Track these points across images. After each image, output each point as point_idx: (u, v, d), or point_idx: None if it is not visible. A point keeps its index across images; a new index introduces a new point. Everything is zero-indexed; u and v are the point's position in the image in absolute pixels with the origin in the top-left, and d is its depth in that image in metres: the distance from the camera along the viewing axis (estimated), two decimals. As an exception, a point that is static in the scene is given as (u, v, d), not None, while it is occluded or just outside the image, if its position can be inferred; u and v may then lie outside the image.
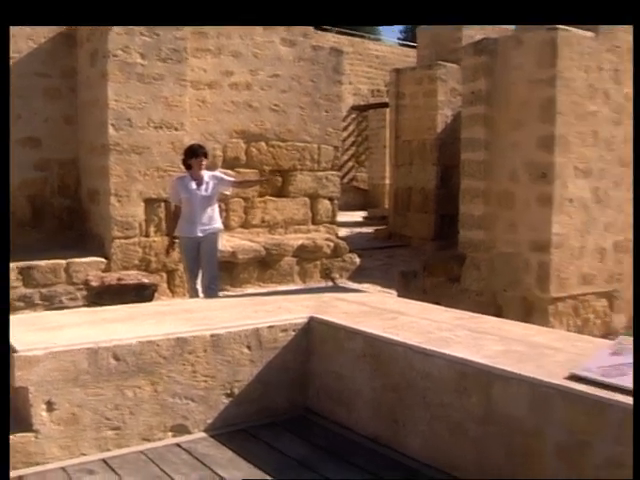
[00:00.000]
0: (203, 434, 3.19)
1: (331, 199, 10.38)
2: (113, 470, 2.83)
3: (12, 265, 7.11)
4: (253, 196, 9.67)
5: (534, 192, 6.74)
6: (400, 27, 37.76)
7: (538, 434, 2.45)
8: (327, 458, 2.98)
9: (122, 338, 3.05)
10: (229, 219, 9.36)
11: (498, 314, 6.24)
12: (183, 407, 3.16)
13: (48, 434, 2.86)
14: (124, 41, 7.84)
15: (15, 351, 2.81)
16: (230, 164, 9.31)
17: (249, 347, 3.32)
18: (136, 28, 7.82)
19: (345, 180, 18.98)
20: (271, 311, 3.68)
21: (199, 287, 6.59)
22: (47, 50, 8.60)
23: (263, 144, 9.69)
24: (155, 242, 8.15)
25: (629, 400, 2.21)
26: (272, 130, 9.71)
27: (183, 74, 8.26)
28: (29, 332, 3.10)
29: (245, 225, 9.65)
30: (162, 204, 8.06)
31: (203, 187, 6.49)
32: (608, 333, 6.87)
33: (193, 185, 6.48)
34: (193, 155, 6.52)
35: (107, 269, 7.83)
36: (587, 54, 6.75)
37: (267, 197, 9.82)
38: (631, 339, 2.67)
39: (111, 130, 7.84)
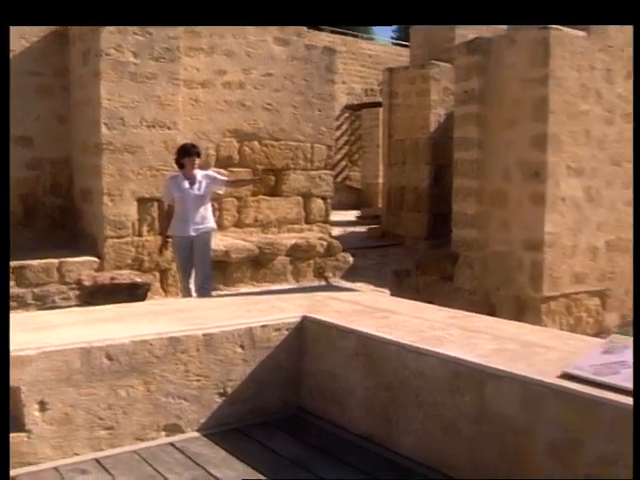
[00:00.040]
0: (196, 433, 3.19)
1: (324, 198, 10.39)
2: (106, 470, 2.83)
3: (4, 265, 7.08)
4: (246, 195, 9.66)
5: (527, 191, 6.76)
6: (393, 26, 37.77)
7: (530, 432, 2.45)
8: (320, 457, 2.98)
9: (115, 338, 3.04)
10: (222, 218, 9.35)
11: (491, 313, 6.25)
12: (176, 406, 3.16)
13: (41, 434, 2.85)
14: (117, 40, 7.82)
15: (7, 351, 2.81)
16: (223, 163, 9.30)
17: (242, 346, 3.32)
18: (129, 27, 7.80)
19: (338, 179, 18.98)
20: (264, 310, 3.68)
21: (192, 286, 6.59)
22: (39, 49, 8.56)
23: (256, 143, 9.68)
24: (148, 241, 8.13)
25: (621, 398, 2.22)
26: (265, 129, 9.71)
27: (176, 73, 8.25)
28: (21, 332, 3.09)
29: (238, 224, 9.65)
30: (155, 203, 8.04)
31: (196, 186, 6.49)
32: (600, 332, 6.89)
33: (186, 184, 6.47)
34: (186, 154, 6.51)
35: (100, 268, 7.81)
36: (579, 53, 6.77)
37: (260, 196, 9.82)
38: (623, 337, 2.68)
39: (104, 129, 7.83)
